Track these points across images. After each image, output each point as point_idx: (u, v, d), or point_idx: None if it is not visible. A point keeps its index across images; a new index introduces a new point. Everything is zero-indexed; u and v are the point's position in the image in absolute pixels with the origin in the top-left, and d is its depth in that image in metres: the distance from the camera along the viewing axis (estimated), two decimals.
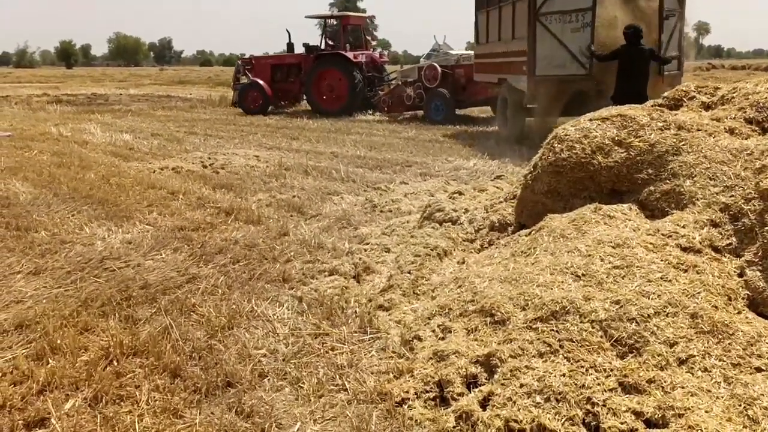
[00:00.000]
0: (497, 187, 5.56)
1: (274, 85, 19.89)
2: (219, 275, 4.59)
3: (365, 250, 4.85)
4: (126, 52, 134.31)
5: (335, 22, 19.76)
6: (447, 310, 3.45)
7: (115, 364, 3.29)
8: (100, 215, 6.37)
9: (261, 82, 19.53)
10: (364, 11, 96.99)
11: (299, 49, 20.03)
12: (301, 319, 3.86)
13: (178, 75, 57.27)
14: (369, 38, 20.89)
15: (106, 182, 8.05)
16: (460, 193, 5.33)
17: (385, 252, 4.88)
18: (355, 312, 3.93)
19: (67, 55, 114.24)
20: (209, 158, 9.78)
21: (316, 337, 3.61)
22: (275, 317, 3.89)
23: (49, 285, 4.43)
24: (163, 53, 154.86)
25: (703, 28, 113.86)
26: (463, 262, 4.22)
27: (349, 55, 18.59)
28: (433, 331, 3.36)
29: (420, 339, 3.34)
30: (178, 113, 20.64)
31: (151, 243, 5.40)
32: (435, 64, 16.82)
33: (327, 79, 18.80)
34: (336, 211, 6.66)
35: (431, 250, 4.52)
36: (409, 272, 4.33)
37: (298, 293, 4.29)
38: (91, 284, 4.43)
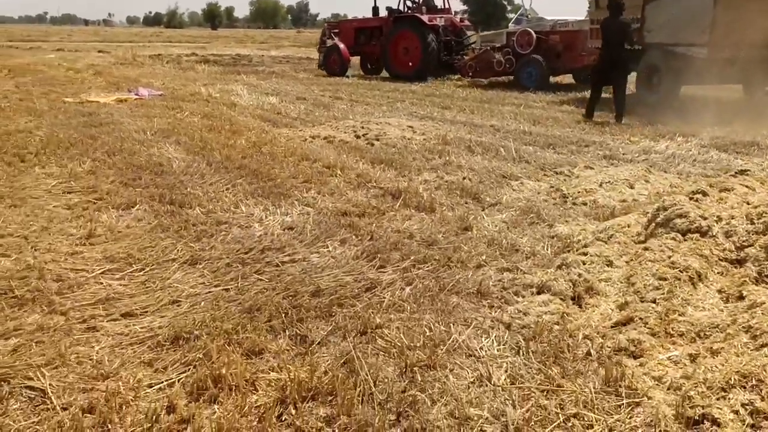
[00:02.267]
0: (747, 187, 4.30)
1: (358, 48, 20.19)
2: (402, 284, 3.74)
3: (583, 263, 3.81)
4: (265, 14, 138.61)
5: None
6: (755, 382, 2.38)
7: (293, 412, 2.52)
8: (256, 191, 5.75)
9: (341, 45, 19.92)
10: None
11: (384, 13, 19.94)
12: (520, 360, 2.93)
13: (315, 37, 57.62)
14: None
15: (257, 150, 7.50)
16: (704, 194, 4.13)
17: (607, 266, 3.82)
18: (591, 355, 2.95)
19: (213, 17, 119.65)
20: (362, 127, 9.02)
21: (547, 395, 2.67)
22: (485, 354, 2.98)
23: (208, 281, 3.78)
24: (300, 16, 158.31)
25: None
26: (742, 298, 3.10)
27: (424, 18, 18.02)
28: (737, 413, 2.32)
29: (717, 423, 2.30)
30: (318, 76, 20.25)
31: (314, 231, 4.66)
32: (530, 30, 16.05)
33: (402, 42, 18.58)
34: (518, 200, 5.65)
35: (680, 271, 3.41)
36: (653, 301, 3.27)
37: (504, 317, 3.36)
38: (253, 284, 3.73)
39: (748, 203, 3.91)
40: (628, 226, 4.25)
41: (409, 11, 19.14)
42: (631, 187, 5.92)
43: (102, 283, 3.76)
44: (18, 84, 15.13)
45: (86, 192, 5.68)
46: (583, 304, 3.49)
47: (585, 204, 5.46)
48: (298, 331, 3.19)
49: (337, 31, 20.84)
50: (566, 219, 5.06)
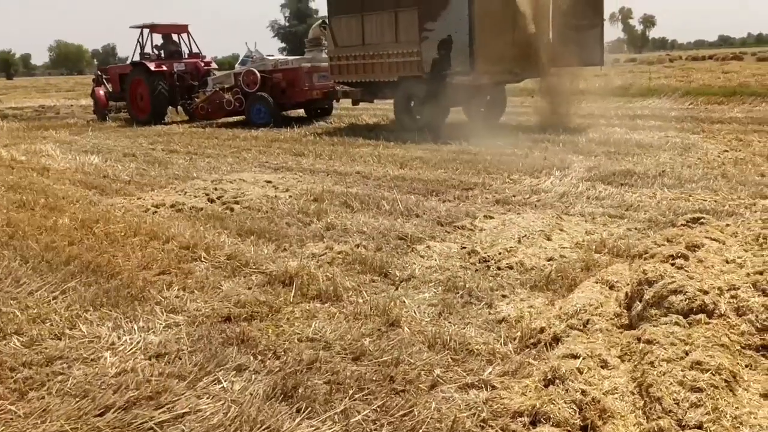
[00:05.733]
0: (716, 240, 3.71)
1: (123, 94, 20.29)
2: None
3: (577, 371, 2.91)
4: (68, 60, 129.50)
5: (147, 32, 20.04)
6: None
7: None
8: (97, 296, 4.29)
9: (100, 91, 20.71)
10: (316, 12, 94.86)
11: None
12: None
13: None
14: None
15: (88, 232, 5.93)
16: (685, 257, 3.45)
17: (602, 368, 2.97)
18: None
19: (7, 66, 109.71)
20: (215, 189, 7.70)
21: None
22: None
23: None
24: (107, 60, 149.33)
25: (648, 21, 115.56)
26: None
27: (150, 65, 18.99)
28: None
29: None
30: (143, 127, 18.26)
31: (195, 356, 3.38)
32: (253, 69, 17.13)
33: (137, 88, 19.35)
34: (432, 269, 4.73)
35: (712, 374, 2.63)
36: (699, 427, 2.44)
37: None
38: None
39: (740, 266, 3.28)
40: (601, 305, 3.47)
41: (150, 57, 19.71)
42: (549, 239, 5.26)
43: None
44: None
45: None
46: None
47: (511, 268, 4.66)
48: None
49: (107, 77, 21.05)
50: (502, 293, 4.22)
